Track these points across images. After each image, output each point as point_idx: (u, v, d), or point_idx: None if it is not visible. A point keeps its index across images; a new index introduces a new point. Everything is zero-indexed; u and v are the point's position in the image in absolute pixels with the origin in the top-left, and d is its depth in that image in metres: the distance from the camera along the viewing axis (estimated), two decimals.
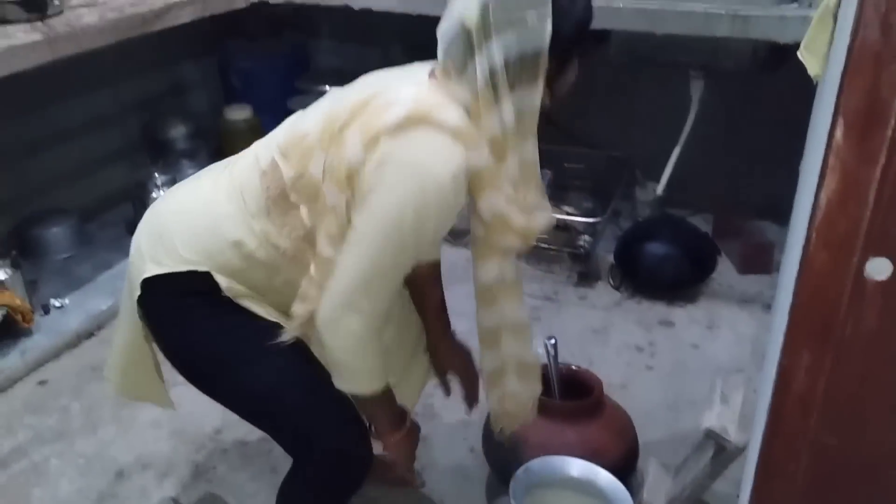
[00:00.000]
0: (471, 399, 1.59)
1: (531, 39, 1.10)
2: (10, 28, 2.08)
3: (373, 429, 1.39)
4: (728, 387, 1.57)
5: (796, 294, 0.85)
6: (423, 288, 1.54)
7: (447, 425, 1.92)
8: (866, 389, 0.87)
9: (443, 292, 1.56)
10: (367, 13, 2.56)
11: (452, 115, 1.15)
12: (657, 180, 2.66)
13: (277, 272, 1.29)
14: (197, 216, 1.31)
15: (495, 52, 1.10)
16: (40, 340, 2.26)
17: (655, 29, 2.13)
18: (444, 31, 1.17)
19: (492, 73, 1.12)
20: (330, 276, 1.22)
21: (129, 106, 3.05)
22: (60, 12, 2.21)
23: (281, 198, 1.24)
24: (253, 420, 1.37)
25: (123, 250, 1.49)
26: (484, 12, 1.09)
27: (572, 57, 1.19)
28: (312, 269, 1.25)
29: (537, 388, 1.48)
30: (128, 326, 1.39)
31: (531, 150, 1.22)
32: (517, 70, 1.12)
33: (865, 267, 0.80)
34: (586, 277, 2.58)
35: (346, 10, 2.58)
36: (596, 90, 2.87)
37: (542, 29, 1.09)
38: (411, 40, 3.13)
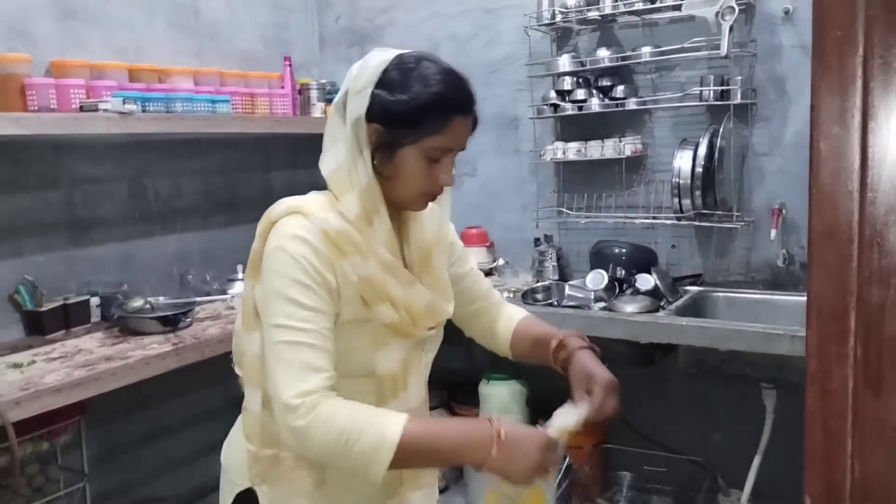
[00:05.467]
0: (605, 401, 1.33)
1: (357, 105, 1.25)
2: (146, 339, 2.43)
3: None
4: None
5: None
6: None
7: None
8: None
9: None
10: None
11: (327, 215, 1.26)
12: (741, 488, 2.59)
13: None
14: None
15: (354, 108, 1.25)
16: None
17: (718, 345, 2.25)
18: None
19: (354, 125, 1.25)
20: (252, 368, 1.40)
21: (236, 400, 3.31)
22: (189, 325, 2.58)
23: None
24: None
25: None
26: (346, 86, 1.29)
27: (402, 140, 1.25)
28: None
29: None
30: None
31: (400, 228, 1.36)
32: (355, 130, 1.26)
33: None
34: None
35: None
36: (672, 396, 2.96)
37: (363, 97, 1.24)
38: None
